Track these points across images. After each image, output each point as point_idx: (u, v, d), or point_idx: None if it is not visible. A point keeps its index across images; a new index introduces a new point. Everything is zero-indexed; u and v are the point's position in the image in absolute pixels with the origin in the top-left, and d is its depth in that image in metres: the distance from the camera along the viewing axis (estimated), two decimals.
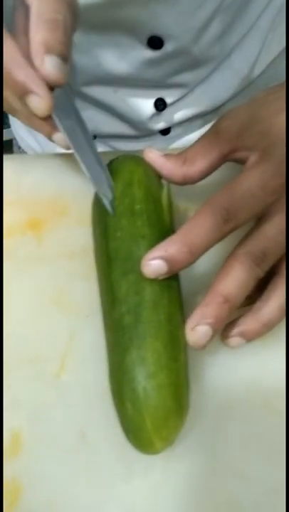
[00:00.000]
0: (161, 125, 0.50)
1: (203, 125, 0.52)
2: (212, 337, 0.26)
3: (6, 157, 0.41)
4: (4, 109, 0.31)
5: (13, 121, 0.61)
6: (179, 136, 0.53)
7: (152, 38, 0.41)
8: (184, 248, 0.26)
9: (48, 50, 0.27)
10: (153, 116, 0.48)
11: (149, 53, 0.42)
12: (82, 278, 0.34)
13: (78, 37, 0.42)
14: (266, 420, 0.29)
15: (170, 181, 0.31)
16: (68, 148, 0.30)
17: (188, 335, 0.26)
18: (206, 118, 0.52)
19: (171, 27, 0.41)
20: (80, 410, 0.29)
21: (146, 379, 0.25)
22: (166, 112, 0.49)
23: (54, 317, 0.32)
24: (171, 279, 0.28)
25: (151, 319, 0.26)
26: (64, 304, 0.33)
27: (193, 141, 0.31)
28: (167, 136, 0.52)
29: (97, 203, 0.31)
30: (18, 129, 0.59)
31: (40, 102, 0.27)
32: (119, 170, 0.31)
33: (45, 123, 0.29)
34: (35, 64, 0.27)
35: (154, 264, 0.26)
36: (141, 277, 0.27)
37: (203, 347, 0.26)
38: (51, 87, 0.28)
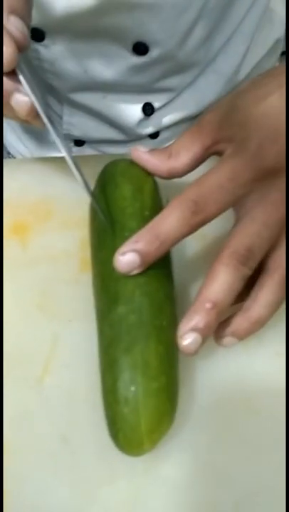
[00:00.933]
0: (149, 129, 0.50)
1: None
2: (202, 343, 0.25)
3: None
4: None
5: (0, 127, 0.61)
6: (168, 140, 0.53)
7: (137, 45, 0.42)
8: (153, 239, 0.26)
9: (12, 12, 0.27)
10: (141, 120, 0.48)
11: (135, 59, 0.43)
12: (66, 282, 0.34)
13: (63, 44, 0.42)
14: (248, 421, 0.29)
15: (156, 175, 0.31)
16: (30, 115, 0.28)
17: (179, 342, 0.25)
18: (193, 121, 0.52)
19: (155, 33, 0.41)
20: (63, 414, 0.29)
21: (148, 381, 0.25)
22: (154, 116, 0.49)
23: (38, 321, 0.32)
24: (172, 289, 0.29)
25: (156, 323, 0.26)
26: (47, 308, 0.33)
27: None
28: (156, 140, 0.52)
29: (99, 200, 0.31)
30: (6, 134, 0.60)
31: (4, 50, 0.26)
32: (127, 173, 0.31)
33: (8, 80, 0.27)
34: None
35: (126, 257, 0.26)
36: (148, 280, 0.27)
37: (194, 353, 0.26)
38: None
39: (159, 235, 0.26)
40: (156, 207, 0.31)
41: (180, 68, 0.45)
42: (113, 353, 0.26)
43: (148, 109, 0.48)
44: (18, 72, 0.27)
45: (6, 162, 0.41)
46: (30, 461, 0.28)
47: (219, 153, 0.29)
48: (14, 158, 0.60)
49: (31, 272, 0.34)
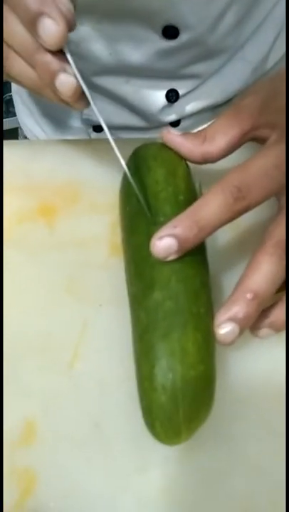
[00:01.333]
0: (172, 117, 0.49)
1: (212, 118, 0.52)
2: (240, 334, 0.25)
3: (14, 143, 0.40)
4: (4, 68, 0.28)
5: (18, 110, 0.60)
6: (189, 128, 0.52)
7: (167, 28, 0.40)
8: (193, 225, 0.25)
9: None
10: (164, 107, 0.48)
11: (164, 43, 0.42)
12: (94, 266, 0.33)
13: (91, 26, 0.41)
14: (281, 414, 0.28)
15: (189, 160, 0.30)
16: (74, 96, 0.27)
17: (216, 331, 0.25)
18: (215, 111, 0.51)
19: (187, 17, 0.40)
20: (93, 400, 0.29)
21: (186, 369, 0.24)
22: (178, 103, 0.48)
23: (67, 306, 0.32)
24: (207, 276, 0.28)
25: (193, 310, 0.25)
26: (76, 292, 0.32)
27: None
28: (177, 128, 0.51)
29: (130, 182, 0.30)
30: (24, 118, 0.59)
31: (54, 26, 0.24)
32: (160, 157, 0.30)
33: (54, 58, 0.26)
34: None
35: (164, 242, 0.25)
36: (184, 266, 0.26)
37: (231, 344, 0.25)
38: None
39: (199, 221, 0.25)
40: (190, 192, 0.30)
41: (208, 54, 0.45)
42: (149, 339, 0.25)
43: (172, 96, 0.47)
44: (66, 51, 0.26)
45: (31, 143, 0.40)
46: (61, 447, 0.27)
47: (258, 139, 0.29)
48: None
49: (59, 256, 0.33)
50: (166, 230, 0.25)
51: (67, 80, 0.26)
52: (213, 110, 0.51)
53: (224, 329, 0.25)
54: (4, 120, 1.25)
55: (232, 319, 0.25)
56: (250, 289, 0.25)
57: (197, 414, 0.25)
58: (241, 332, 0.25)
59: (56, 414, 0.28)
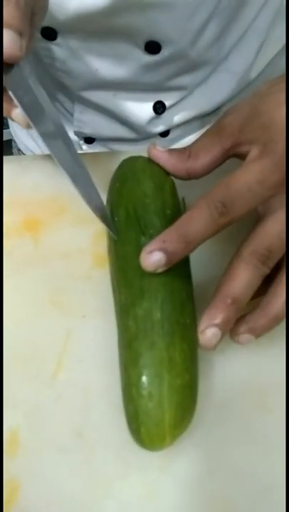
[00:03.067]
0: (160, 128, 0.50)
1: (201, 127, 0.53)
2: (221, 338, 0.26)
3: (3, 158, 0.41)
4: None
5: (11, 123, 0.61)
6: (178, 138, 0.53)
7: (149, 43, 0.42)
8: (180, 239, 0.26)
9: (5, 25, 0.26)
10: (152, 119, 0.48)
11: (147, 58, 0.43)
12: (78, 278, 0.34)
13: (75, 43, 0.42)
14: (261, 419, 0.29)
15: (174, 176, 0.31)
16: (28, 127, 0.30)
17: (199, 337, 0.26)
18: (204, 120, 0.52)
19: (168, 32, 0.41)
20: (76, 409, 0.29)
21: (173, 377, 0.25)
22: (166, 114, 0.49)
23: (51, 317, 0.32)
24: (192, 288, 0.29)
25: (180, 321, 0.27)
26: (61, 304, 0.33)
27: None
28: (166, 138, 0.52)
29: (118, 195, 0.31)
30: (16, 130, 0.60)
31: None
32: (148, 170, 0.31)
33: (3, 99, 0.29)
34: None
35: (153, 256, 0.26)
36: (172, 278, 0.27)
37: (214, 348, 0.26)
38: (9, 65, 0.28)
39: (186, 236, 0.26)
40: (176, 206, 0.31)
41: (192, 67, 0.45)
42: (138, 347, 0.26)
43: (159, 108, 0.48)
44: (9, 90, 0.28)
45: (18, 159, 0.41)
46: (44, 456, 0.28)
47: (239, 156, 0.30)
48: (24, 154, 0.60)
49: (44, 268, 0.34)
50: (155, 244, 0.26)
51: (17, 115, 0.30)
52: (202, 119, 0.52)
53: (207, 334, 0.26)
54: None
55: (214, 324, 0.26)
56: (229, 294, 0.26)
57: (181, 421, 0.26)
58: (223, 336, 0.26)
59: (40, 424, 0.29)
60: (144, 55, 0.42)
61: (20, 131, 0.59)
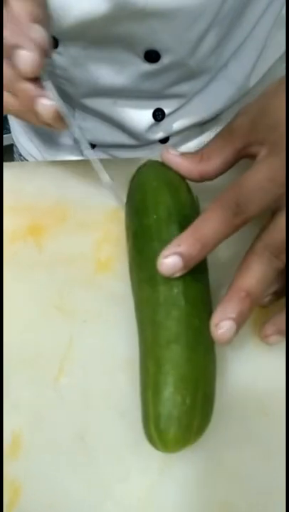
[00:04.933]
0: (159, 135, 0.50)
1: (201, 134, 0.53)
2: (236, 332, 0.26)
3: (6, 164, 0.42)
4: None
5: (13, 128, 0.62)
6: (178, 145, 0.54)
7: (149, 52, 0.42)
8: (196, 242, 0.26)
9: (34, 21, 0.27)
10: (152, 126, 0.49)
11: (146, 66, 0.43)
12: (81, 283, 0.34)
13: (76, 52, 0.43)
14: (260, 423, 0.29)
15: (188, 178, 0.32)
16: (55, 119, 0.29)
17: (213, 330, 0.26)
18: (203, 127, 0.53)
19: (167, 41, 0.41)
20: (78, 413, 0.30)
21: (206, 385, 0.26)
22: (165, 122, 0.49)
23: (54, 322, 0.33)
24: (209, 291, 0.30)
25: (201, 327, 0.27)
26: (64, 308, 0.33)
27: (191, 149, 0.32)
28: (166, 144, 0.53)
29: (133, 201, 0.32)
30: (18, 136, 0.60)
31: (29, 55, 0.26)
32: (163, 176, 0.32)
33: (33, 86, 0.28)
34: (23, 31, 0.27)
35: (170, 260, 0.26)
36: (191, 284, 0.28)
37: (228, 342, 0.26)
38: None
39: (201, 238, 0.27)
40: (193, 208, 0.32)
41: (191, 75, 0.46)
42: (176, 349, 0.26)
43: (158, 115, 0.49)
44: (43, 78, 0.28)
45: (22, 165, 0.42)
46: (46, 459, 0.28)
47: (250, 156, 0.30)
48: (26, 160, 0.60)
49: (48, 273, 0.35)
50: (171, 248, 0.27)
51: (46, 104, 0.28)
52: (201, 126, 0.52)
53: (222, 328, 0.26)
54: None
55: (229, 317, 0.26)
56: (243, 288, 0.27)
57: (205, 426, 0.27)
58: (238, 330, 0.26)
59: (42, 427, 0.29)
60: (143, 64, 0.43)
61: (21, 137, 0.59)
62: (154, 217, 0.30)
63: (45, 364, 0.31)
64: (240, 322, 0.26)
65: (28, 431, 0.29)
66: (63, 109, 0.29)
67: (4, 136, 1.33)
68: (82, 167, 0.40)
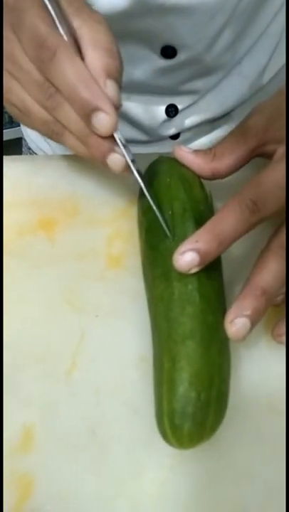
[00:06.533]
0: (172, 131, 0.50)
1: (211, 130, 0.53)
2: (251, 329, 0.26)
3: (17, 158, 0.41)
4: (48, 132, 0.30)
5: None
6: (188, 141, 0.53)
7: (165, 48, 0.42)
8: (213, 239, 0.26)
9: (109, 75, 0.27)
10: (164, 122, 0.49)
11: (162, 62, 0.43)
12: (92, 278, 0.34)
13: None
14: (270, 421, 0.29)
15: (200, 176, 0.32)
16: (123, 171, 0.29)
17: (228, 327, 0.26)
18: (214, 124, 0.52)
19: (184, 37, 0.41)
20: (90, 407, 0.30)
21: (221, 382, 0.26)
22: (177, 118, 0.49)
23: (65, 316, 0.33)
24: (223, 288, 0.30)
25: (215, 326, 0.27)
26: (75, 303, 0.33)
27: (202, 146, 0.32)
28: (176, 140, 0.52)
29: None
30: (28, 130, 0.60)
31: (107, 118, 0.27)
32: (176, 172, 0.32)
33: (105, 141, 0.28)
34: None
35: (187, 256, 0.26)
36: (207, 281, 0.28)
37: (243, 339, 0.26)
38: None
39: (219, 235, 0.27)
40: (207, 204, 0.31)
41: (206, 71, 0.46)
42: (190, 345, 0.26)
43: (172, 111, 0.48)
44: (117, 134, 0.28)
45: (33, 158, 0.42)
46: (58, 453, 0.28)
47: (264, 155, 0.30)
48: (35, 154, 0.60)
49: (58, 267, 0.35)
50: (188, 244, 0.27)
51: (117, 160, 0.28)
52: (212, 123, 0.52)
53: (236, 325, 0.26)
54: (8, 130, 1.28)
55: (244, 315, 0.26)
56: (259, 285, 0.27)
57: (219, 423, 0.26)
58: (252, 327, 0.26)
59: (54, 421, 0.29)
60: (159, 59, 0.43)
61: (32, 132, 0.59)
62: (169, 212, 0.30)
63: (57, 358, 0.31)
64: (255, 320, 0.26)
65: (40, 425, 0.29)
66: (129, 155, 0.29)
67: (11, 129, 1.34)
68: (93, 162, 0.40)
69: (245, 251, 0.34)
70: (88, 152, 0.29)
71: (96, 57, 0.27)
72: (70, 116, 0.28)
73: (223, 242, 0.27)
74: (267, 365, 0.31)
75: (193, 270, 0.27)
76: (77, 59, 0.27)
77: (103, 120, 0.27)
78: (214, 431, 0.26)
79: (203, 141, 0.53)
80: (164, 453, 0.28)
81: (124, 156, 0.28)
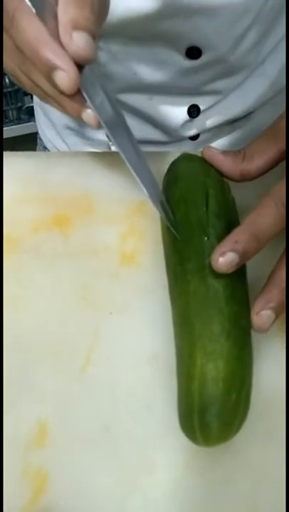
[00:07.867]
0: (193, 131, 0.50)
1: (231, 131, 0.53)
2: (274, 321, 0.27)
3: (32, 154, 0.42)
4: (38, 96, 0.31)
5: (39, 122, 0.61)
6: (208, 142, 0.53)
7: (190, 49, 0.42)
8: (252, 238, 0.26)
9: (76, 27, 0.27)
10: (186, 122, 0.49)
11: (187, 63, 0.43)
12: (106, 275, 0.34)
13: (116, 47, 0.43)
14: (285, 422, 0.29)
15: (228, 178, 0.32)
16: (99, 127, 0.30)
17: (254, 319, 0.26)
18: (234, 124, 0.52)
19: (210, 38, 0.41)
20: (104, 403, 0.29)
21: (249, 384, 0.27)
22: (199, 118, 0.49)
23: (79, 312, 0.33)
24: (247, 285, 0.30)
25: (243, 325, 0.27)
26: (89, 299, 0.33)
27: (221, 147, 0.32)
28: (196, 141, 0.52)
29: (172, 195, 0.31)
30: (45, 129, 0.60)
31: (65, 76, 0.27)
32: (203, 171, 0.32)
33: (73, 101, 0.29)
34: (63, 42, 0.27)
35: (226, 257, 0.26)
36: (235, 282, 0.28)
37: (266, 331, 0.27)
38: (80, 66, 0.28)
39: (258, 234, 0.27)
40: (234, 207, 0.31)
41: (230, 71, 0.46)
42: (224, 343, 0.26)
43: (194, 111, 0.48)
44: (82, 91, 0.28)
45: (48, 155, 0.42)
46: (72, 448, 0.28)
47: None
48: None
49: (73, 264, 0.35)
50: (227, 245, 0.26)
51: (88, 116, 0.29)
52: (232, 124, 0.52)
53: (263, 317, 0.26)
54: (25, 125, 1.30)
55: (269, 307, 0.26)
56: (283, 279, 0.27)
57: (242, 423, 0.26)
58: (276, 319, 0.27)
59: (68, 417, 0.29)
60: (184, 60, 0.43)
61: (48, 130, 0.59)
62: (204, 209, 0.29)
63: (72, 354, 0.31)
64: (279, 312, 0.27)
65: (54, 420, 0.29)
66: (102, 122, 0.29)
67: (26, 124, 1.35)
68: (109, 158, 0.40)
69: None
70: (66, 111, 0.30)
71: (65, 10, 0.27)
72: (40, 78, 0.28)
73: (262, 241, 0.27)
74: (282, 367, 0.31)
75: (231, 270, 0.27)
76: (35, 19, 0.27)
77: (62, 79, 0.27)
78: (237, 432, 0.26)
79: (222, 143, 0.52)
80: (177, 450, 0.28)
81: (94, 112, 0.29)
